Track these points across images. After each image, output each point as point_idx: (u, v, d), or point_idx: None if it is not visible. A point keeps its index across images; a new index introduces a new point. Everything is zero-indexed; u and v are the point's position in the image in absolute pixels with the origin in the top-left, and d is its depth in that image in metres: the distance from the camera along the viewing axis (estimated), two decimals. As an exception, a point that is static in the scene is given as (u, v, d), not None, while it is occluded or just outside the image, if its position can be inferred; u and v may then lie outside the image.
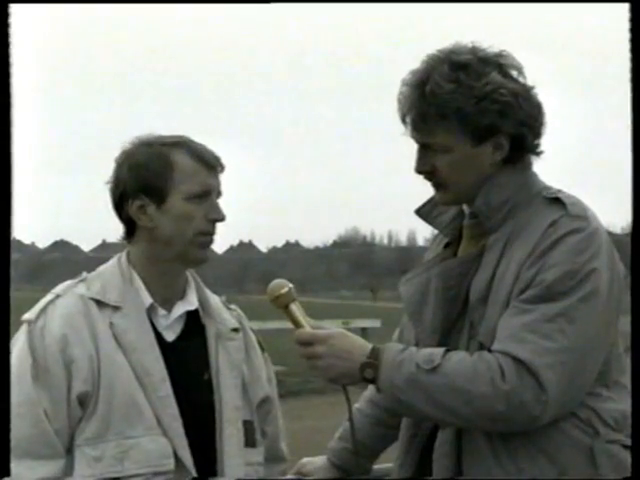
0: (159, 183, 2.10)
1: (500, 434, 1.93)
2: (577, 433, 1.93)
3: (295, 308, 2.05)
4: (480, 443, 1.95)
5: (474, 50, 2.00)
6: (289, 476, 2.42)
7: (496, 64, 2.00)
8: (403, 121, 2.03)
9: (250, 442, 2.22)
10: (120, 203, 2.14)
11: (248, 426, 2.22)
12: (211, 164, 2.13)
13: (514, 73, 2.01)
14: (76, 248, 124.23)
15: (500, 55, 2.02)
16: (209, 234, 2.14)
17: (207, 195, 2.12)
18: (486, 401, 1.86)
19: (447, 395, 1.88)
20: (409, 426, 2.14)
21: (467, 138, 1.98)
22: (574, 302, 1.88)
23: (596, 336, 1.91)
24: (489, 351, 1.90)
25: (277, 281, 2.08)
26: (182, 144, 2.14)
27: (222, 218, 2.15)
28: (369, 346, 1.98)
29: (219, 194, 2.16)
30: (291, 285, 2.06)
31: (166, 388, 2.08)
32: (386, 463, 2.37)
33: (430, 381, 1.89)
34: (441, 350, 1.92)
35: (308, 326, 2.03)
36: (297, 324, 2.04)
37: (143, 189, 2.10)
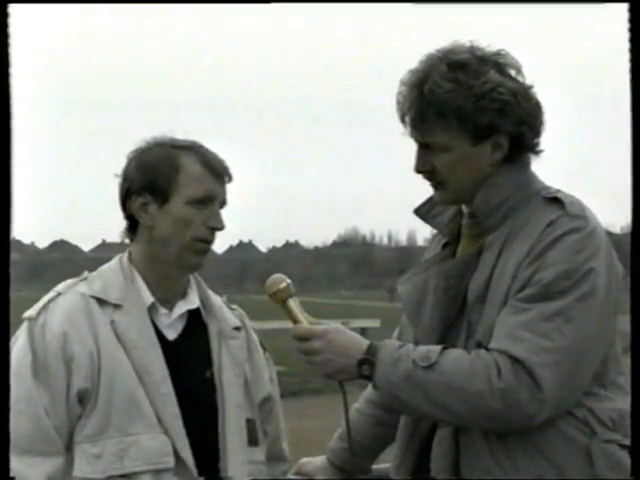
0: (163, 183, 2.11)
1: (497, 433, 1.93)
2: (574, 433, 1.93)
3: (293, 303, 2.05)
4: (478, 443, 1.95)
5: (472, 49, 2.01)
6: (289, 476, 2.42)
7: (494, 63, 2.00)
8: (402, 121, 2.03)
9: (252, 441, 2.23)
10: (125, 199, 2.16)
11: (250, 425, 2.23)
12: (218, 172, 2.14)
13: (512, 72, 2.01)
14: (76, 248, 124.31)
15: (498, 54, 2.02)
16: (206, 241, 2.14)
17: (209, 202, 2.13)
18: (482, 399, 1.86)
19: (443, 392, 1.88)
20: (407, 426, 2.14)
21: (466, 137, 1.98)
22: (571, 301, 1.88)
23: (593, 336, 1.91)
24: (486, 350, 1.90)
25: (275, 276, 2.08)
26: (192, 148, 2.15)
27: (221, 227, 2.15)
28: (366, 342, 1.98)
29: (223, 203, 2.17)
30: (289, 280, 2.06)
31: (167, 386, 2.09)
32: (386, 463, 2.37)
33: (426, 378, 1.89)
34: (438, 348, 1.93)
35: (306, 321, 2.03)
36: (295, 319, 2.04)
37: (148, 187, 2.12)
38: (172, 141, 2.17)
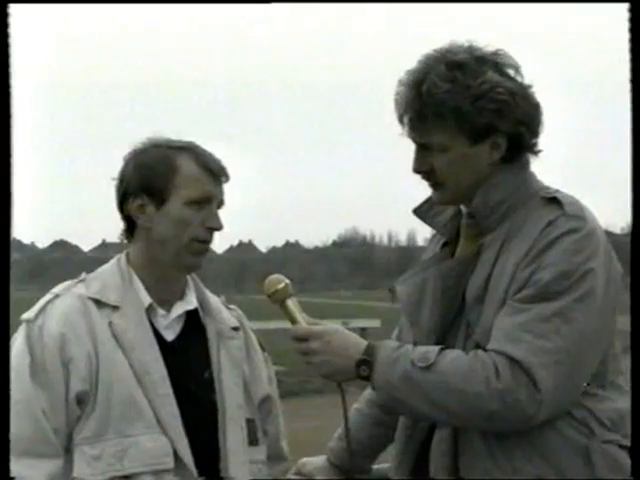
0: (161, 185, 2.11)
1: (496, 434, 1.93)
2: (573, 433, 1.93)
3: (291, 304, 2.05)
4: (476, 443, 1.95)
5: (470, 49, 2.00)
6: (289, 476, 2.42)
7: (492, 63, 2.00)
8: (400, 121, 2.03)
9: (253, 440, 2.23)
10: (122, 200, 2.16)
11: (250, 424, 2.23)
12: (215, 172, 2.14)
13: (511, 72, 2.01)
14: (76, 248, 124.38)
15: (496, 54, 2.02)
16: (204, 242, 2.14)
17: (207, 202, 2.12)
18: (480, 400, 1.86)
19: (441, 393, 1.88)
20: (406, 426, 2.14)
21: (464, 137, 1.98)
22: (570, 302, 1.88)
23: (592, 336, 1.91)
24: (485, 350, 1.90)
25: (274, 276, 2.08)
26: (189, 149, 2.15)
27: (219, 227, 2.15)
28: (364, 343, 1.98)
29: (221, 203, 2.17)
30: (288, 281, 2.06)
31: (166, 387, 2.09)
32: (386, 463, 2.37)
33: (425, 379, 1.89)
34: (436, 348, 1.92)
35: (304, 322, 2.03)
36: (293, 320, 2.04)
37: (145, 189, 2.12)
38: (168, 142, 2.16)
